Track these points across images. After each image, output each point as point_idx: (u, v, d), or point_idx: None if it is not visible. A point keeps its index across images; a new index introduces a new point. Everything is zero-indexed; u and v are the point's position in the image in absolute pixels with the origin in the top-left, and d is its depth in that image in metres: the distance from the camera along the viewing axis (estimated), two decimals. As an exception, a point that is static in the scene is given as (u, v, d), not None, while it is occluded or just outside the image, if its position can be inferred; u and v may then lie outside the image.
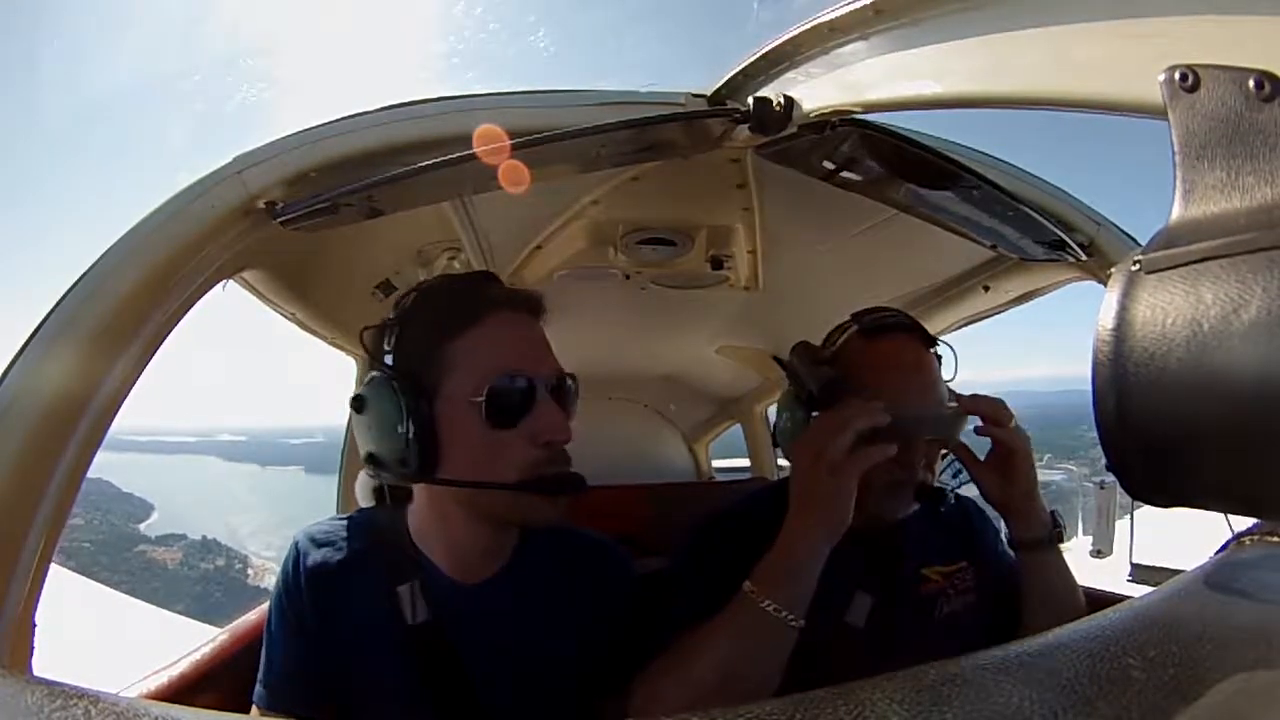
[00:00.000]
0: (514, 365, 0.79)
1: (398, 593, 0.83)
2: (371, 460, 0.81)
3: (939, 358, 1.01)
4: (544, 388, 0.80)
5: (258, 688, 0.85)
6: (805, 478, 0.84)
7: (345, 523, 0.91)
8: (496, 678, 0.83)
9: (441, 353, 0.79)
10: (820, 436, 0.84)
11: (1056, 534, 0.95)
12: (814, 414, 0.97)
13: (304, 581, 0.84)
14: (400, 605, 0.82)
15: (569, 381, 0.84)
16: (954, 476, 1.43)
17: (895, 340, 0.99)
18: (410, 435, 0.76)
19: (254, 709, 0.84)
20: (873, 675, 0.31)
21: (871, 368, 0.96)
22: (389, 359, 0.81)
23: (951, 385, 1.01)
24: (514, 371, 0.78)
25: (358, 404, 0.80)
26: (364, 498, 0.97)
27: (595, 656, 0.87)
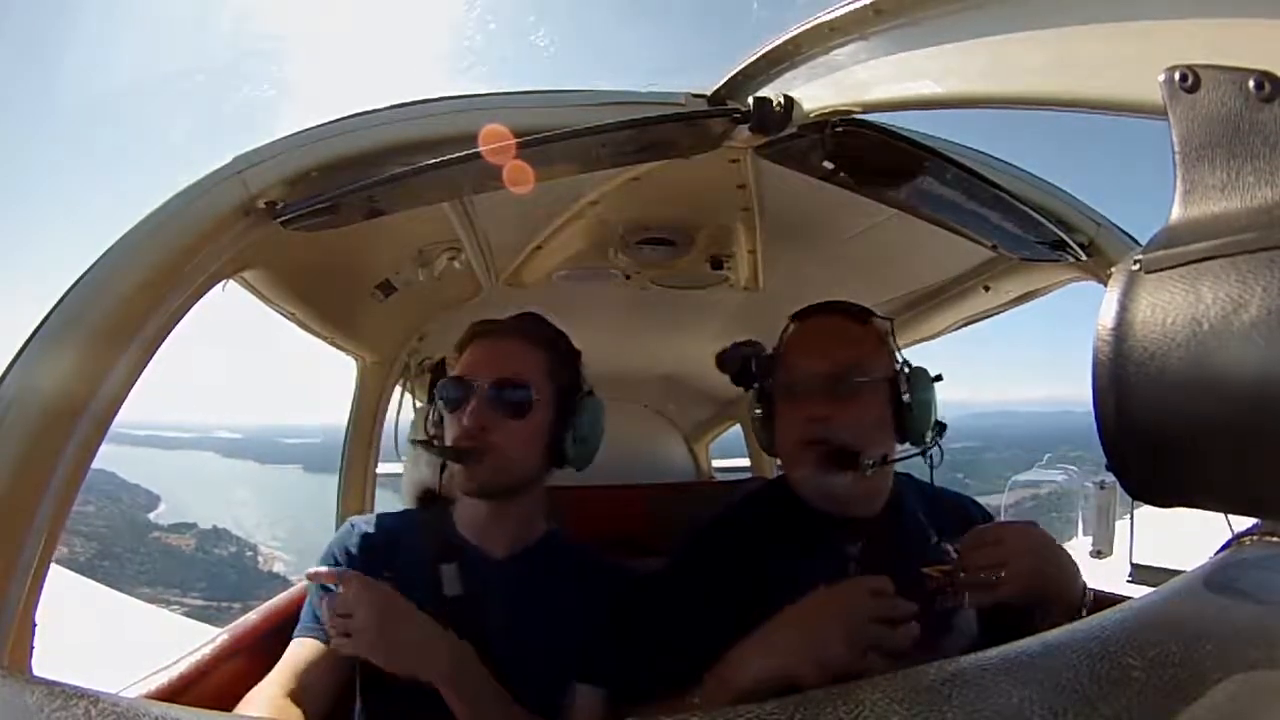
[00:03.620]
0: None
1: (440, 571, 0.95)
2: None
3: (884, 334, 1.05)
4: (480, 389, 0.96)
5: (299, 628, 0.94)
6: (793, 613, 0.79)
7: (395, 514, 1.06)
8: (512, 646, 0.92)
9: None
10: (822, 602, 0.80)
11: (1087, 604, 0.89)
12: (758, 405, 1.07)
13: (355, 550, 0.98)
14: (440, 581, 0.94)
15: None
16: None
17: (820, 318, 1.07)
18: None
19: (289, 650, 0.92)
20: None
21: (791, 342, 1.05)
22: None
23: (939, 417, 1.03)
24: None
25: None
26: (411, 499, 1.05)
27: (582, 644, 0.95)
